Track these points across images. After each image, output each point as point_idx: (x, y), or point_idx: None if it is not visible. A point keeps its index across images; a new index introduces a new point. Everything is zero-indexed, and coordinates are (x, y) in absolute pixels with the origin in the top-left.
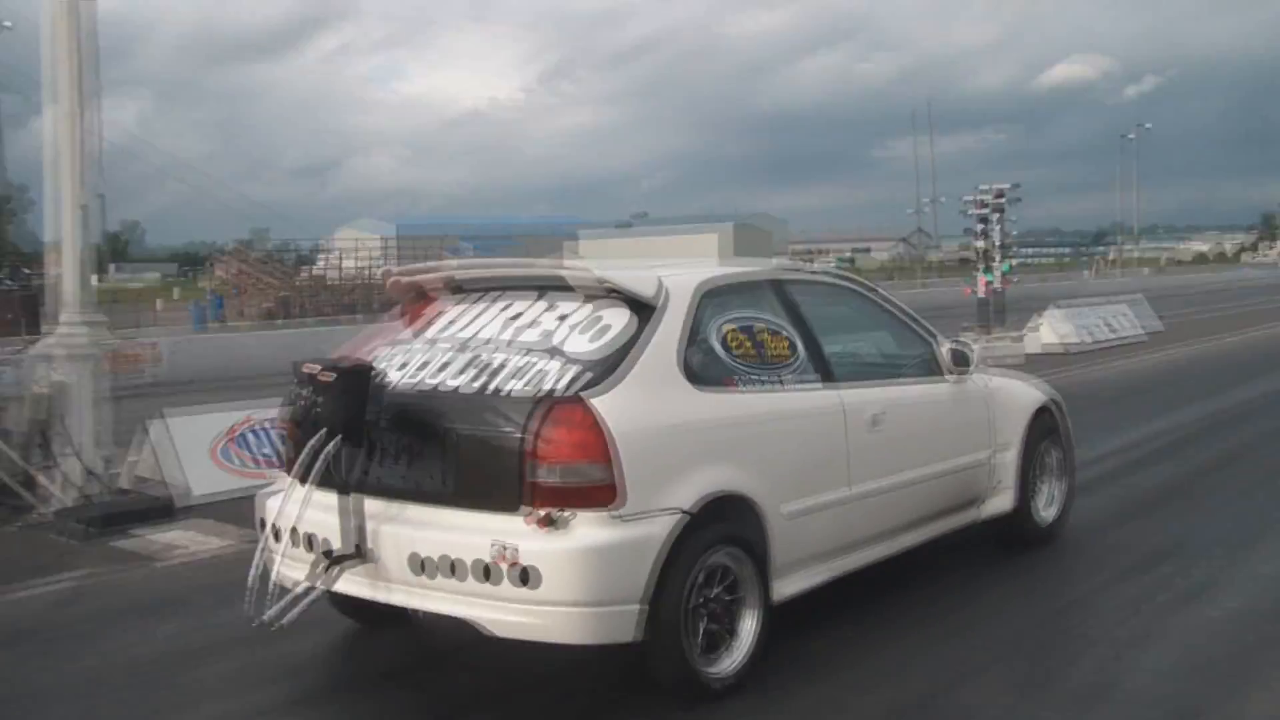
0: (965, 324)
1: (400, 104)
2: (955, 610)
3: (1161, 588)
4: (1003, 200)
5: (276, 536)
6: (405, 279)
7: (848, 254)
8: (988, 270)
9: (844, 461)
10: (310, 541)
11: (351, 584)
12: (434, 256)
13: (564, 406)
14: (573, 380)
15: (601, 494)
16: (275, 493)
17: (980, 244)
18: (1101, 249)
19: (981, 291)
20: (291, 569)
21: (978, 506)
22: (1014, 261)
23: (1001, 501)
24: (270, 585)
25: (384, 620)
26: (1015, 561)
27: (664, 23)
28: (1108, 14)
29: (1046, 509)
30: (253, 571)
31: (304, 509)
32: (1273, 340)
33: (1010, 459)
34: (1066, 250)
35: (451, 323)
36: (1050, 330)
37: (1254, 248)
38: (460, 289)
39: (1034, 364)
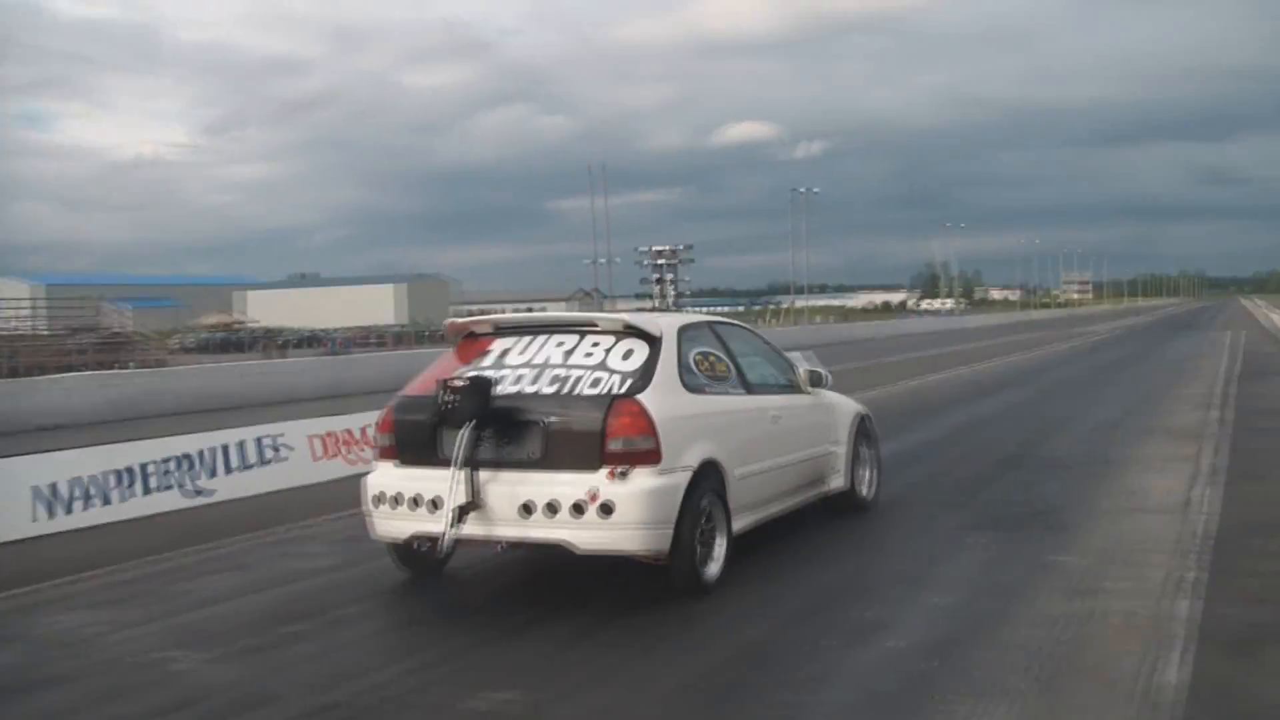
0: None
1: (56, 150)
2: (630, 662)
3: (836, 627)
4: (675, 260)
5: (419, 504)
6: (459, 323)
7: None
8: None
9: (763, 445)
10: (435, 503)
11: (471, 528)
12: (89, 313)
13: (624, 402)
14: (624, 386)
15: (650, 457)
16: (379, 473)
17: (656, 301)
18: (774, 302)
19: None
20: (435, 524)
21: (825, 484)
22: None
23: (838, 481)
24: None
25: (432, 571)
26: (691, 606)
27: (340, 75)
28: (778, 81)
29: (866, 489)
30: (446, 533)
31: (454, 484)
32: (930, 389)
33: (842, 451)
34: (740, 304)
35: (506, 353)
36: None
37: (920, 300)
38: (502, 332)
39: None
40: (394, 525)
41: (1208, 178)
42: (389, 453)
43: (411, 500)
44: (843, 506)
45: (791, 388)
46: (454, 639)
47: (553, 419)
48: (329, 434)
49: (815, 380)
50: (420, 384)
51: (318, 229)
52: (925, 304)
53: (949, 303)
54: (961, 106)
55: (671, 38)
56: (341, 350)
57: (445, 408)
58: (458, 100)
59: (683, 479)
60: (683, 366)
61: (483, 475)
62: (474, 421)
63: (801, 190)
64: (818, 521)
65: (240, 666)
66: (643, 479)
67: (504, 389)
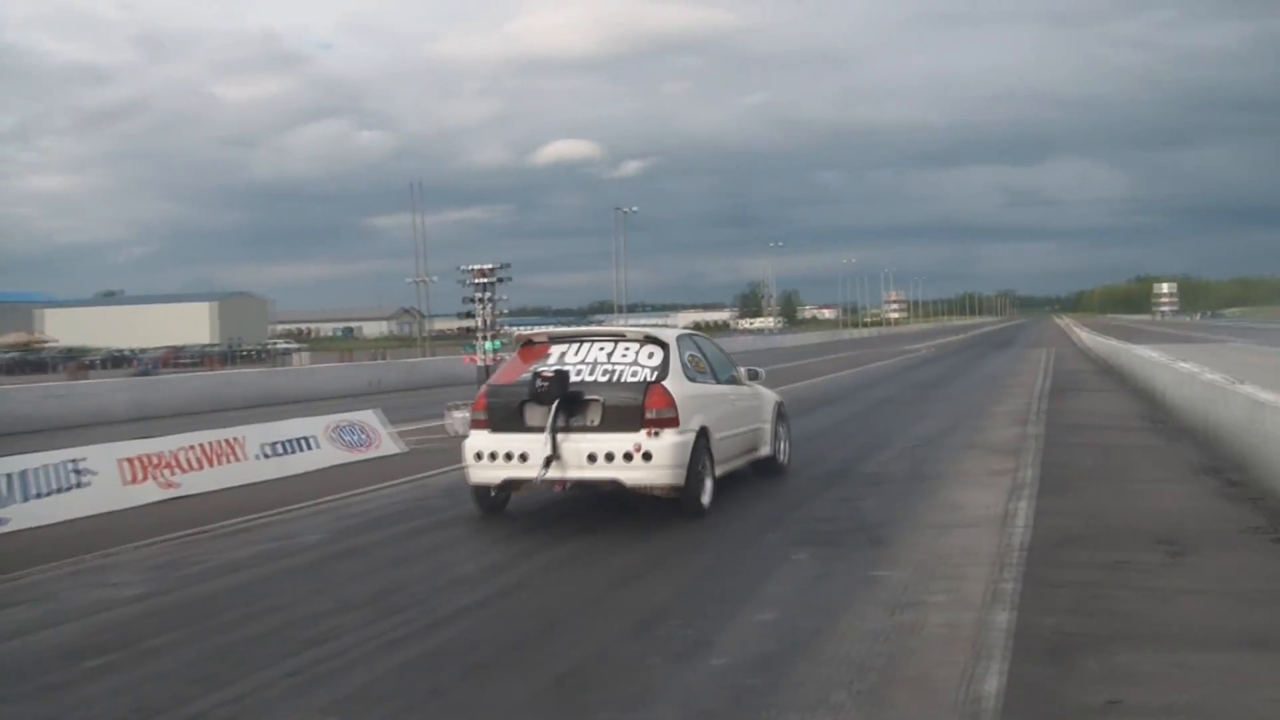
0: (454, 401)
1: None
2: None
3: (661, 646)
4: (492, 279)
5: (522, 458)
6: (521, 334)
7: (339, 331)
8: (491, 340)
9: (728, 419)
10: (523, 454)
11: (552, 472)
12: None
13: (655, 386)
14: (653, 375)
15: (673, 422)
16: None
17: (477, 320)
18: (596, 321)
19: (482, 361)
20: (521, 471)
21: (758, 450)
22: (503, 340)
23: (765, 449)
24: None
25: (502, 509)
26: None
27: (149, 84)
28: (600, 99)
29: (783, 456)
30: (540, 474)
31: (546, 442)
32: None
33: (768, 427)
34: (564, 323)
35: (564, 355)
36: None
37: (740, 319)
38: (555, 340)
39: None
40: (489, 473)
41: (1021, 200)
42: (483, 424)
43: (505, 455)
44: (768, 469)
45: (736, 380)
46: (276, 664)
47: (608, 397)
48: (141, 457)
49: (752, 375)
50: (502, 376)
51: (125, 244)
52: (746, 323)
53: (770, 321)
54: (782, 127)
55: (493, 54)
56: (151, 370)
57: (539, 390)
58: (273, 114)
59: (691, 437)
60: (684, 364)
61: (559, 437)
62: (558, 401)
63: (623, 209)
64: (647, 539)
65: (36, 707)
66: (670, 436)
67: (573, 379)
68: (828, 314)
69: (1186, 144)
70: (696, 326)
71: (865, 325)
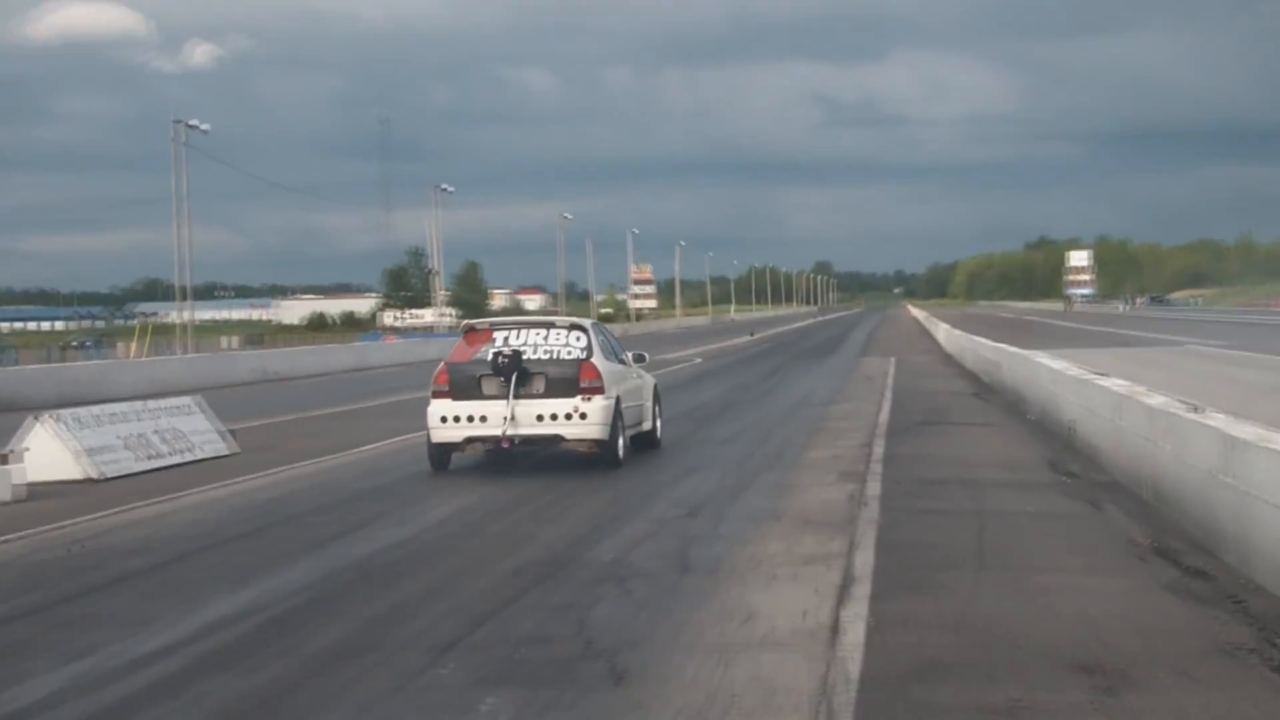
0: None
1: None
2: None
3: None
4: None
5: (482, 419)
6: (466, 323)
7: None
8: None
9: (630, 393)
10: (482, 416)
11: (510, 429)
12: None
13: (586, 362)
14: (582, 354)
15: (599, 390)
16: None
17: None
18: (147, 316)
19: None
20: (480, 430)
21: (643, 424)
22: None
23: (648, 424)
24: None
25: (445, 466)
26: None
27: None
28: None
29: (659, 433)
30: (504, 431)
31: (512, 405)
32: (393, 456)
33: (649, 405)
34: (97, 318)
35: (507, 339)
36: (61, 449)
37: (386, 308)
38: (496, 327)
39: (43, 512)
40: (451, 433)
41: (847, 118)
42: (445, 394)
43: (467, 418)
44: (648, 443)
45: (625, 363)
46: None
47: (550, 371)
48: None
49: (638, 359)
50: (455, 356)
51: None
52: (398, 318)
53: (438, 314)
54: None
55: None
56: None
57: (500, 365)
58: None
59: (613, 403)
60: (600, 346)
61: (515, 402)
62: (517, 374)
63: (187, 124)
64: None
65: None
66: (599, 401)
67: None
68: (532, 301)
69: (1109, 29)
70: (316, 322)
71: (597, 320)
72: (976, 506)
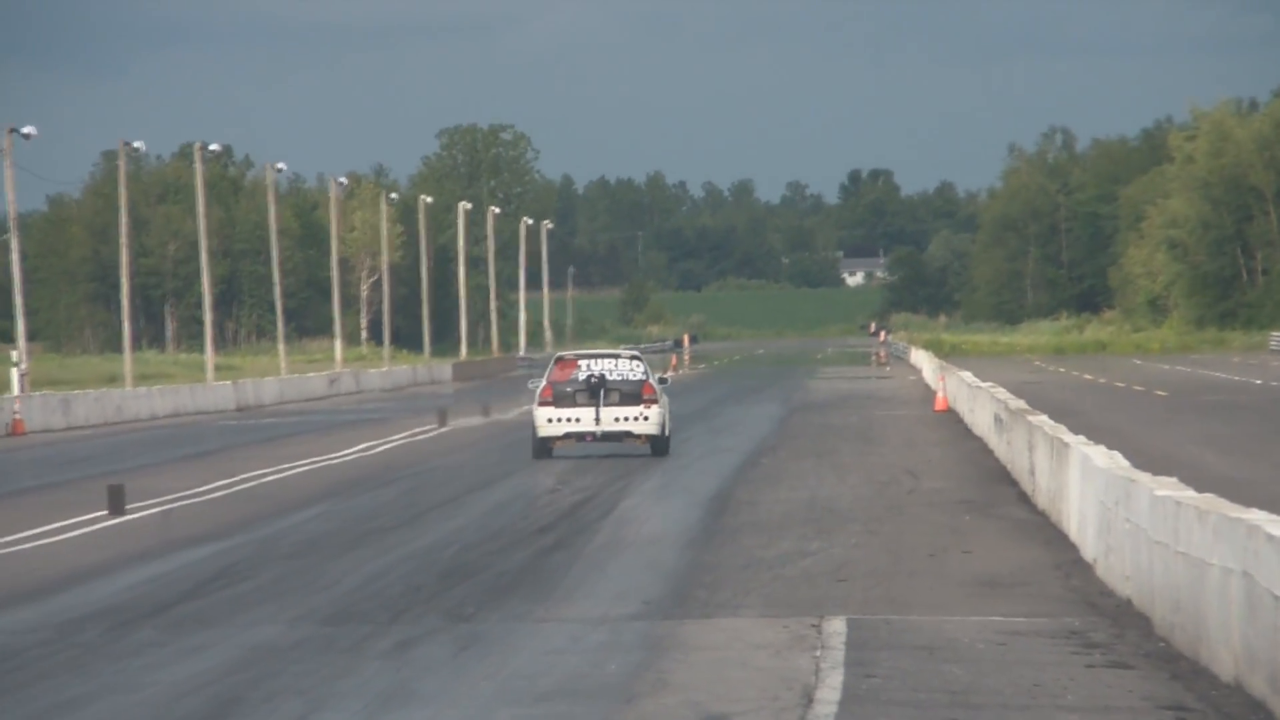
0: None
1: None
2: None
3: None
4: None
5: (576, 420)
6: (560, 355)
7: None
8: None
9: (666, 405)
10: (576, 419)
11: (595, 426)
12: None
13: (646, 382)
14: (642, 376)
15: (655, 401)
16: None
17: None
18: None
19: None
20: (574, 428)
21: (665, 430)
22: None
23: (668, 431)
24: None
25: (548, 453)
26: None
27: None
28: None
29: (670, 438)
30: (595, 429)
31: (599, 411)
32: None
33: (669, 415)
34: None
35: (590, 365)
36: None
37: None
38: (580, 358)
39: None
40: (553, 429)
41: None
42: (549, 403)
43: (563, 418)
44: (660, 448)
45: (666, 382)
46: None
47: (625, 386)
48: None
49: (661, 382)
50: (554, 377)
51: None
52: None
53: None
54: None
55: None
56: None
57: (591, 383)
58: None
59: (665, 409)
60: (648, 370)
61: (603, 408)
62: (603, 390)
63: None
64: None
65: None
66: (656, 408)
67: (607, 378)
68: None
69: None
70: None
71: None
72: None
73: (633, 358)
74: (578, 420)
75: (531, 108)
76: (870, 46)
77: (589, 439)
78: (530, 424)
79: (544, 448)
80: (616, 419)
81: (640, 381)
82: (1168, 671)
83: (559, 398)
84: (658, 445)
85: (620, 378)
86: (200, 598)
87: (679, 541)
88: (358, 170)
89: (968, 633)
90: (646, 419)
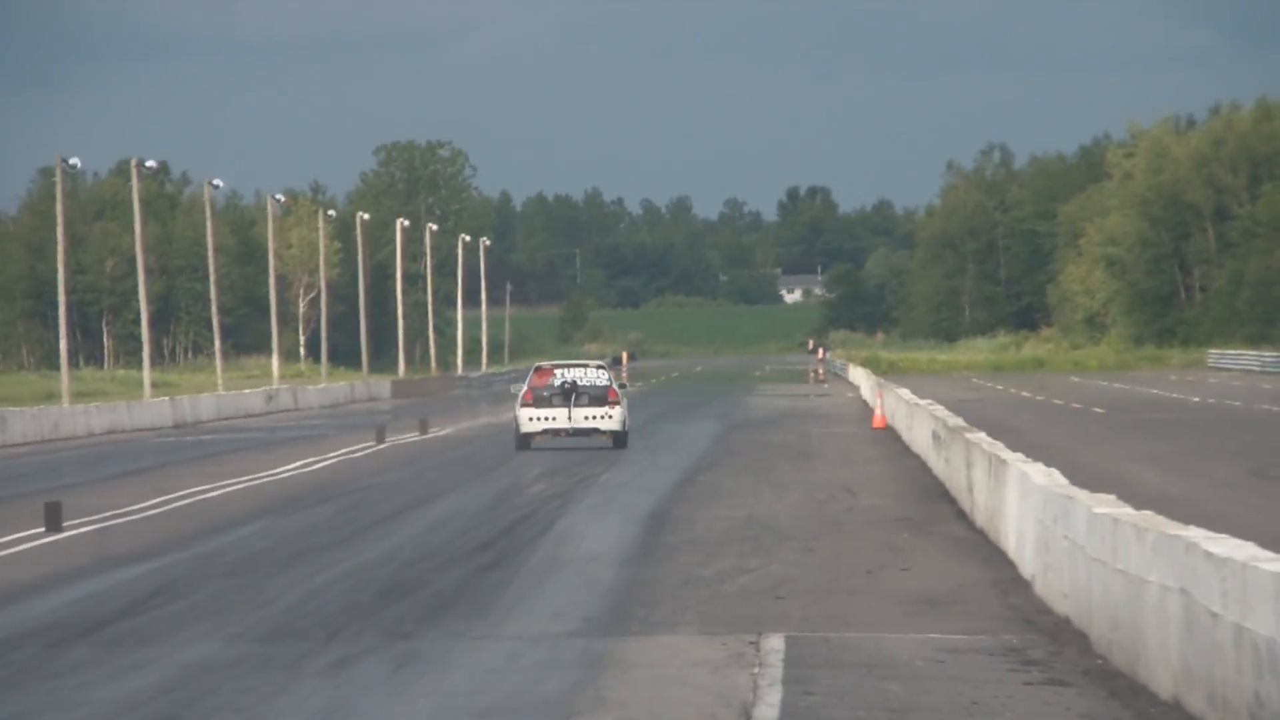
0: None
1: None
2: None
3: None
4: None
5: (552, 419)
6: (539, 364)
7: None
8: None
9: (626, 404)
10: (553, 417)
11: (568, 424)
12: None
13: (610, 387)
14: (607, 381)
15: (618, 403)
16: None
17: None
18: None
19: None
20: (551, 425)
21: (626, 425)
22: None
23: (627, 426)
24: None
25: (527, 447)
26: None
27: None
28: None
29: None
30: (567, 426)
31: (571, 411)
32: None
33: (627, 413)
34: None
35: (564, 373)
36: None
37: None
38: (556, 367)
39: None
40: (533, 426)
41: None
42: (529, 404)
43: (542, 417)
44: (620, 442)
45: (626, 387)
46: None
47: (593, 390)
48: None
49: (620, 386)
50: (536, 382)
51: None
52: None
53: None
54: None
55: None
56: None
57: (565, 388)
58: None
59: (625, 409)
60: (613, 377)
61: (575, 408)
62: (575, 394)
63: None
64: None
65: None
66: (618, 408)
67: (580, 382)
68: None
69: None
70: None
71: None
72: None
73: (599, 367)
74: (554, 419)
75: (469, 123)
76: (808, 64)
77: (563, 434)
78: (514, 422)
79: (525, 442)
80: (586, 418)
81: (606, 386)
82: (1106, 689)
83: (538, 400)
84: (619, 439)
85: (589, 383)
86: (137, 615)
87: (617, 559)
88: (295, 186)
89: (906, 650)
90: (610, 417)
